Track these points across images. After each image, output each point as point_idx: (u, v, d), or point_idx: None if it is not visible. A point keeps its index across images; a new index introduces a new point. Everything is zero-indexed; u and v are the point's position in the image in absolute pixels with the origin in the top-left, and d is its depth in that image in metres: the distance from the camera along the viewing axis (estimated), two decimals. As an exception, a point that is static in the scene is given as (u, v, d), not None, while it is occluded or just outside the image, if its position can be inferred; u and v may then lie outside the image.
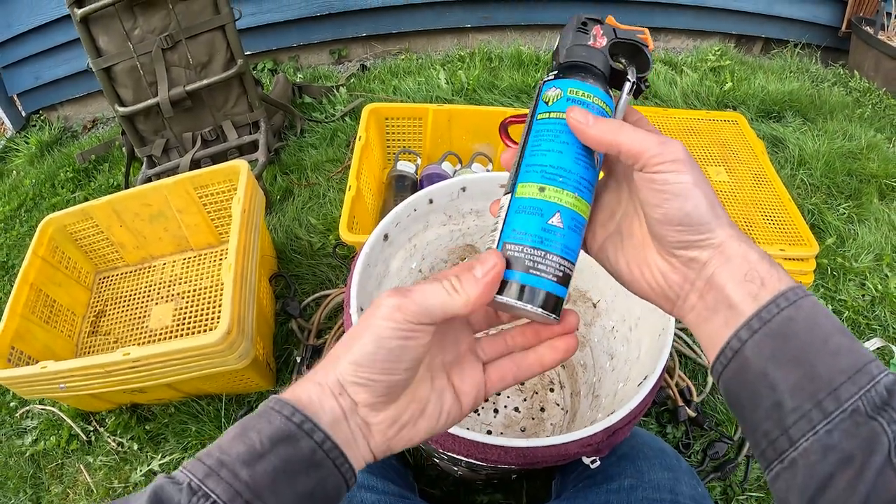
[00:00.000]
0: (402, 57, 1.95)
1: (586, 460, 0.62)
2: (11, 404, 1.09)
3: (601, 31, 0.36)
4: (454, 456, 0.66)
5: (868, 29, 2.00)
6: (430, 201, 0.75)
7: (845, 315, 1.23)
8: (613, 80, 0.36)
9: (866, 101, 1.83)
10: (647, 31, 0.36)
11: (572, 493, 0.65)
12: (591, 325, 0.82)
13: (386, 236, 0.72)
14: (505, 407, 0.90)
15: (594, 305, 0.81)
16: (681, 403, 0.98)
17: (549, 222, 0.33)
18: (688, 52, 2.09)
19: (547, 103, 0.35)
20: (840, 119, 1.63)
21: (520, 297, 0.32)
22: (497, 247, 0.33)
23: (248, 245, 0.97)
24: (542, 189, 0.33)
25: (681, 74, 1.83)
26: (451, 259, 0.83)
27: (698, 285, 0.32)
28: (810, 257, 1.20)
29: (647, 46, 0.36)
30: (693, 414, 0.98)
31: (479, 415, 0.88)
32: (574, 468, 0.69)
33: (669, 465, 0.64)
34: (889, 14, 1.99)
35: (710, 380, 1.04)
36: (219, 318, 0.83)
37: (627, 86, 0.35)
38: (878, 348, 1.24)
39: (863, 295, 1.29)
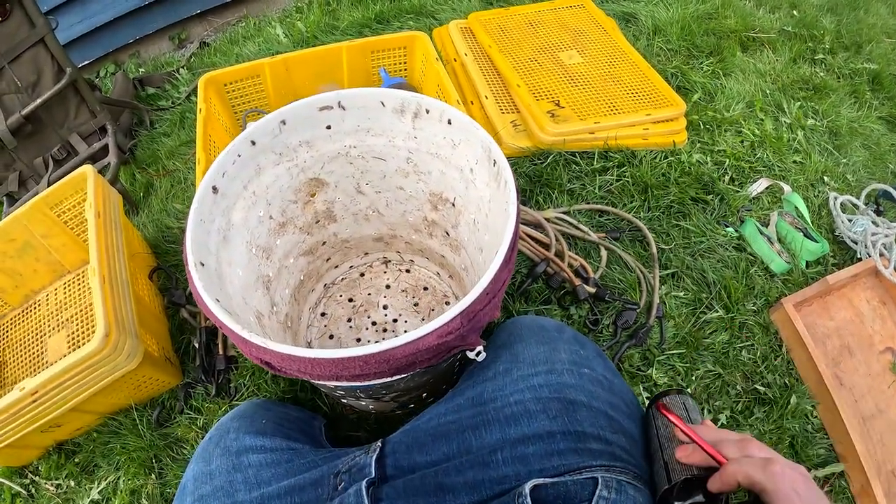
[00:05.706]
0: (243, 24, 1.89)
1: (471, 354, 0.59)
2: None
3: None
4: (329, 384, 0.65)
5: None
6: (253, 143, 0.72)
7: (727, 164, 1.25)
8: None
9: (719, -36, 1.85)
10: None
11: (452, 393, 0.63)
12: (457, 226, 0.82)
13: (215, 188, 0.70)
14: (406, 322, 0.91)
15: (453, 205, 0.80)
16: (578, 283, 0.99)
17: None
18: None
19: None
20: (692, -16, 1.65)
21: None
22: None
23: (111, 244, 0.93)
24: None
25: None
26: (301, 199, 0.81)
27: None
28: (679, 116, 1.22)
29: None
30: (592, 290, 0.99)
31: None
32: (467, 369, 0.67)
33: (547, 338, 0.62)
34: None
35: (604, 254, 1.06)
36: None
37: None
38: (766, 187, 1.28)
39: (741, 141, 1.31)
